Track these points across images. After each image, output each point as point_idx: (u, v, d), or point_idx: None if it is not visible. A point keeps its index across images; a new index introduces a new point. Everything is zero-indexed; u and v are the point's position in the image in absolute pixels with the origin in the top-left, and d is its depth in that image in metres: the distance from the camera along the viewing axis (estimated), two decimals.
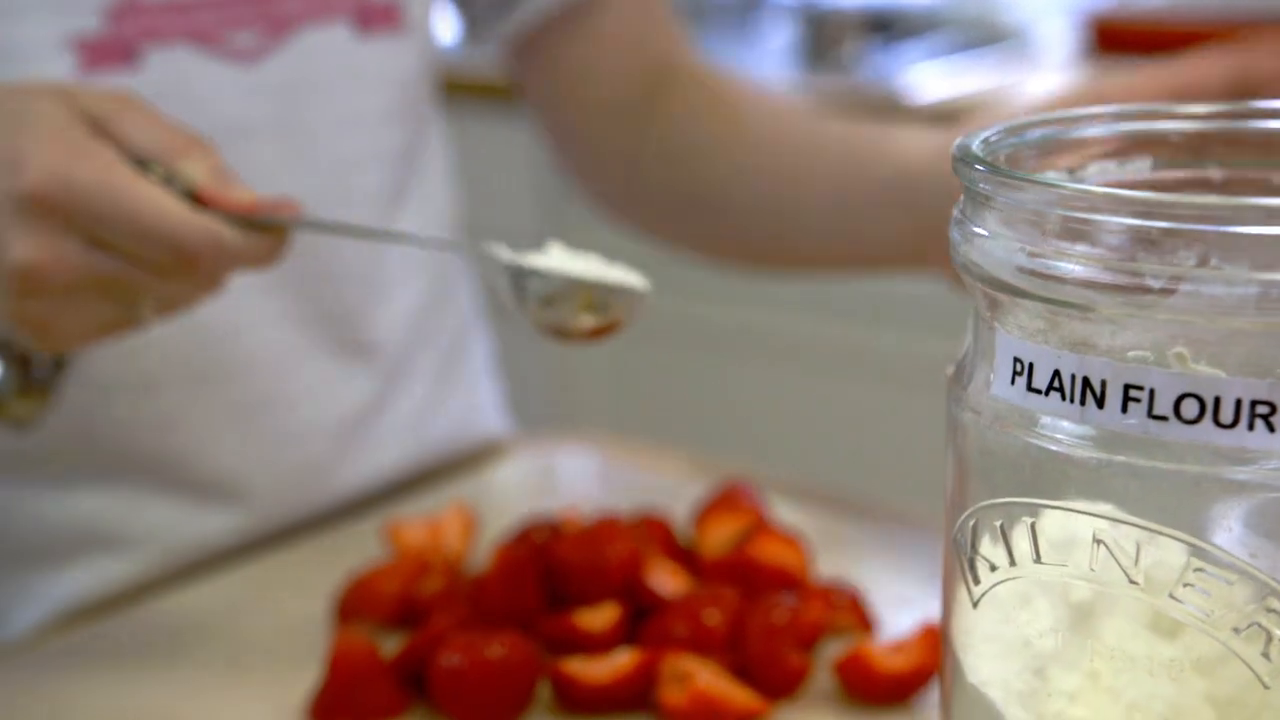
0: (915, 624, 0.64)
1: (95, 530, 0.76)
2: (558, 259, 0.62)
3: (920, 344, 1.88)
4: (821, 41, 2.10)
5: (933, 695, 0.63)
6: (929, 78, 1.95)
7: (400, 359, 0.85)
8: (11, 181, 0.55)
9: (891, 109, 1.86)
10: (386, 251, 0.81)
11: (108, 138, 0.58)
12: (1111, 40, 2.08)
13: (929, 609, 0.64)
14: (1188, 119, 0.46)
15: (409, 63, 0.81)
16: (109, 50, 0.69)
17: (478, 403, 0.92)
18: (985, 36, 2.17)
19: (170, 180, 0.58)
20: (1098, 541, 0.42)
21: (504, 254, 0.61)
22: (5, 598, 0.76)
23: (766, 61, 2.18)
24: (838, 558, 0.75)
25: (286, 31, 0.74)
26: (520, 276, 0.61)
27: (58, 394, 0.66)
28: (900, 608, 0.70)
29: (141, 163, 0.58)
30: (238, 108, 0.73)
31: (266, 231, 0.60)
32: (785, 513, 0.75)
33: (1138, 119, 0.47)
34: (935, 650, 0.62)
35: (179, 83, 0.70)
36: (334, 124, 0.77)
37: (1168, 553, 0.42)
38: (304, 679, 0.65)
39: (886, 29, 2.21)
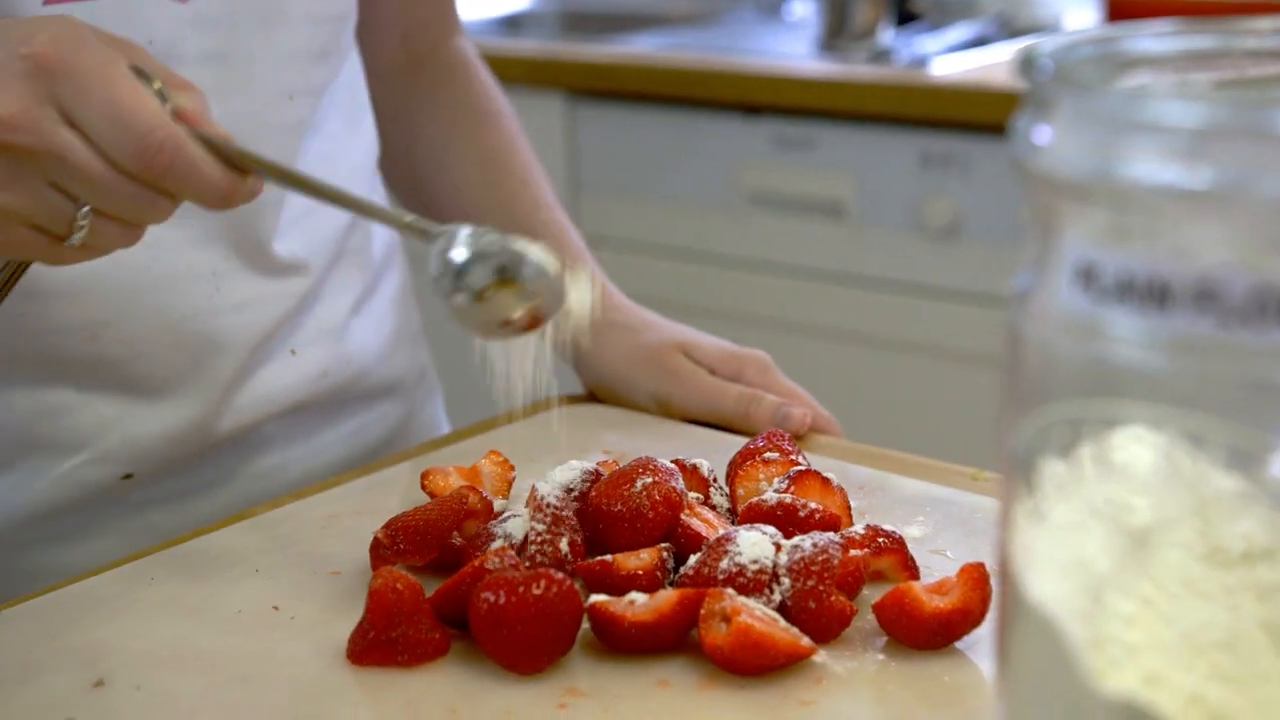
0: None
1: (30, 433, 0.79)
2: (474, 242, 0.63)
3: (939, 313, 1.88)
4: (847, 26, 2.09)
5: (973, 639, 0.62)
6: (953, 63, 1.94)
7: (323, 276, 0.89)
8: (18, 48, 0.60)
9: (915, 89, 1.86)
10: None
11: (118, 51, 0.62)
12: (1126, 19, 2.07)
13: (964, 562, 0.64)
14: (1250, 34, 0.46)
15: (340, 2, 0.85)
16: None
17: (390, 330, 0.95)
18: (1014, 28, 2.16)
19: (162, 99, 0.62)
20: (1161, 453, 0.42)
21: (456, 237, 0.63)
22: None
23: (793, 44, 2.18)
24: (869, 514, 0.75)
25: None
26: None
27: None
28: (936, 559, 0.70)
29: (142, 76, 0.62)
30: (169, 35, 0.76)
31: (232, 169, 0.62)
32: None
33: (1199, 33, 0.46)
34: (979, 590, 0.62)
35: (125, 12, 0.74)
36: (265, 57, 0.80)
37: (1231, 471, 0.42)
38: (344, 621, 0.64)
39: (914, 18, 2.20)
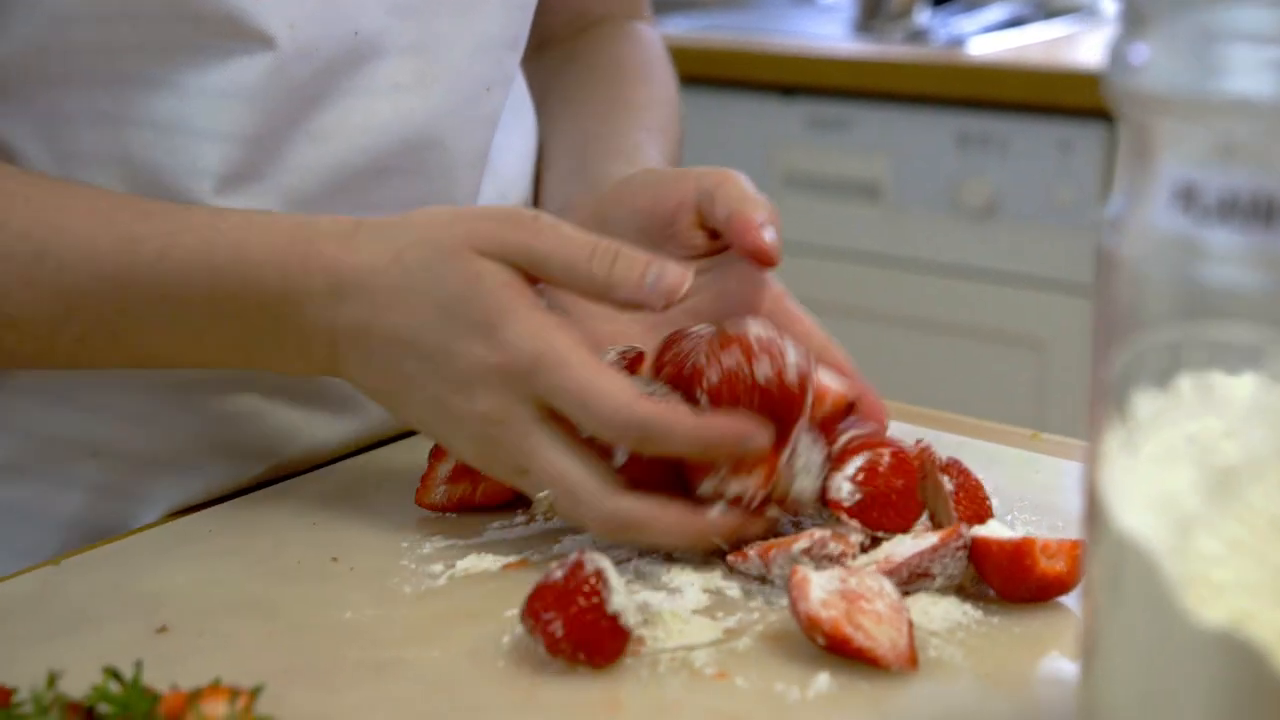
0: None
1: (218, 438, 0.77)
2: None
3: (976, 294, 1.87)
4: (883, 6, 2.08)
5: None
6: (990, 43, 1.93)
7: None
8: (485, 356, 0.62)
9: (951, 69, 1.85)
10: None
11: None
12: None
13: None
14: None
15: None
16: None
17: None
18: (1050, 8, 2.15)
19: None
20: (1260, 376, 0.41)
21: None
22: (130, 503, 0.76)
23: (828, 25, 2.17)
24: None
25: None
26: None
27: None
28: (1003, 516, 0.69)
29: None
30: (374, 26, 0.74)
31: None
32: None
33: None
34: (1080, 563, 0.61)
35: (333, 2, 0.72)
36: (463, 46, 0.78)
37: None
38: (403, 572, 0.64)
39: None
